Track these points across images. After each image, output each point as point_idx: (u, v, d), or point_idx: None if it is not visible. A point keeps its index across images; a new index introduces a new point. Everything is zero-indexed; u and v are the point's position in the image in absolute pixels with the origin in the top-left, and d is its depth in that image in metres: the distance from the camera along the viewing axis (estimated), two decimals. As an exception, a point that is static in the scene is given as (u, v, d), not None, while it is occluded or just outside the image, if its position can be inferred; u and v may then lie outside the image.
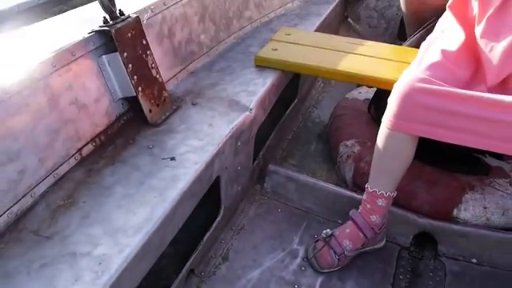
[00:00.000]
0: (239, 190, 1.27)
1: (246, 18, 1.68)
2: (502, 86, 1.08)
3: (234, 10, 1.62)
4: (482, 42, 1.08)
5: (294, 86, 1.65)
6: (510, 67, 1.05)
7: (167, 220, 0.88)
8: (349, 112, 1.60)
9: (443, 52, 1.10)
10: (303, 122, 1.74)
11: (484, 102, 0.98)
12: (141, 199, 0.90)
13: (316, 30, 1.77)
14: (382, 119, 1.10)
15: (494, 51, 1.05)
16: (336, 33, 2.19)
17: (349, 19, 2.32)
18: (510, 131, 0.98)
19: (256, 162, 1.39)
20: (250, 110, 1.21)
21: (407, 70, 1.11)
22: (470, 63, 1.12)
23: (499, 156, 1.39)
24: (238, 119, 1.16)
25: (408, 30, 1.77)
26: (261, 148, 1.44)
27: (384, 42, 1.88)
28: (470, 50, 1.12)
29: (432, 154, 1.33)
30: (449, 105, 1.01)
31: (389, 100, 1.08)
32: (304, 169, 1.49)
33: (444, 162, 1.35)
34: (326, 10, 1.94)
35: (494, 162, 1.38)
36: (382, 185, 1.13)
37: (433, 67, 1.07)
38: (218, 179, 1.11)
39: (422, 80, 1.03)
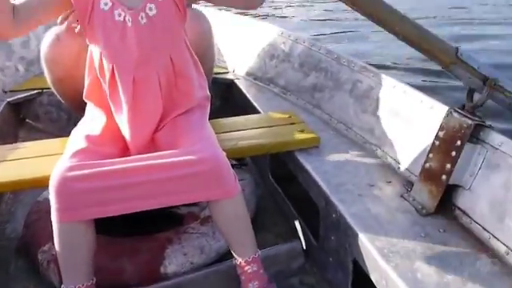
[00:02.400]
0: None
1: None
2: (150, 150, 1.22)
3: None
4: (116, 118, 1.21)
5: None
6: (141, 136, 1.21)
7: None
8: (43, 215, 1.51)
9: (87, 137, 1.19)
10: (-4, 243, 1.57)
11: (128, 170, 1.09)
12: None
13: None
14: (51, 216, 1.09)
15: (124, 125, 1.20)
16: (15, 139, 2.09)
17: (27, 120, 2.25)
18: (160, 187, 1.11)
19: None
20: None
21: (59, 161, 1.13)
22: (116, 141, 1.23)
23: (190, 203, 1.55)
24: None
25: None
26: None
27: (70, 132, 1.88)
28: (113, 129, 1.24)
29: (128, 225, 1.39)
30: (103, 183, 1.08)
31: (49, 196, 1.08)
32: (5, 296, 1.34)
33: (142, 228, 1.42)
34: None
35: (186, 210, 1.53)
36: (76, 279, 1.12)
37: (79, 153, 1.13)
38: None
39: (71, 168, 1.07)
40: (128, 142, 1.22)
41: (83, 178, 1.07)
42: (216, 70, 2.23)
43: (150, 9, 1.13)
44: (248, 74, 2.24)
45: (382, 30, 1.23)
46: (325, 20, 6.37)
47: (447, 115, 1.24)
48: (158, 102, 1.21)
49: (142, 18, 1.13)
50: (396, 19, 1.21)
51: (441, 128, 1.25)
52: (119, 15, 1.12)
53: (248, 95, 2.02)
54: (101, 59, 1.18)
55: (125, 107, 1.18)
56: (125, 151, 1.23)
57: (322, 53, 1.87)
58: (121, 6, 1.12)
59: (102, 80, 1.21)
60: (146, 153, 1.17)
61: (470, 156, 1.19)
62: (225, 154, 1.17)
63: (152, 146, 1.24)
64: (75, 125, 1.31)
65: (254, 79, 2.18)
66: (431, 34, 1.24)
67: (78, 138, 1.20)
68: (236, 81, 2.20)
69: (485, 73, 1.19)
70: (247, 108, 1.95)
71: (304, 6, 8.02)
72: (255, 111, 1.87)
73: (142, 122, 1.21)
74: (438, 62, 1.24)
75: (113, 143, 1.21)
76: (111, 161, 1.11)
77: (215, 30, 1.78)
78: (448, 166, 1.20)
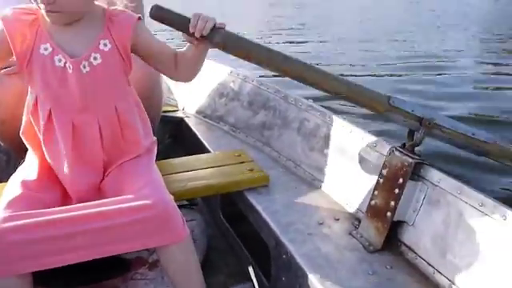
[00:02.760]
0: None
1: None
2: (94, 196, 1.17)
3: None
4: (53, 164, 1.17)
5: None
6: (83, 184, 1.17)
7: None
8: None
9: (24, 183, 1.12)
10: None
11: (68, 219, 1.04)
12: None
13: None
14: (-19, 271, 1.01)
15: (63, 171, 1.15)
16: None
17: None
18: (103, 236, 1.06)
19: None
20: None
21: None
22: (54, 185, 1.17)
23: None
24: None
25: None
26: None
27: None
28: (50, 172, 1.18)
29: (72, 274, 1.31)
30: (40, 234, 1.02)
31: (-18, 250, 1.01)
32: None
33: (87, 276, 1.34)
34: None
35: (134, 255, 1.47)
36: None
37: (15, 202, 1.06)
38: None
39: (5, 219, 1.01)
40: (68, 189, 1.17)
41: (17, 229, 1.00)
42: (165, 108, 2.22)
43: (95, 58, 1.12)
44: (198, 112, 2.24)
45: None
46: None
47: (389, 154, 1.29)
48: (97, 150, 1.18)
49: (84, 66, 1.11)
50: (328, 79, 1.28)
51: (384, 166, 1.29)
52: (59, 61, 1.10)
53: (198, 133, 2.01)
54: (35, 103, 1.14)
55: (63, 154, 1.14)
56: (66, 197, 1.18)
57: (271, 92, 1.91)
58: (62, 53, 1.10)
59: (35, 125, 1.17)
60: (90, 199, 1.13)
61: (412, 193, 1.24)
62: (172, 197, 1.14)
63: (97, 192, 1.20)
64: (15, 168, 1.25)
65: (204, 117, 2.18)
66: (363, 88, 1.31)
67: (14, 184, 1.13)
68: (186, 119, 2.20)
69: (419, 114, 1.25)
70: (197, 146, 1.94)
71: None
72: (205, 150, 1.86)
73: (82, 170, 1.16)
74: (374, 111, 1.30)
75: (52, 189, 1.16)
76: (50, 210, 1.05)
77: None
78: (392, 203, 1.24)
